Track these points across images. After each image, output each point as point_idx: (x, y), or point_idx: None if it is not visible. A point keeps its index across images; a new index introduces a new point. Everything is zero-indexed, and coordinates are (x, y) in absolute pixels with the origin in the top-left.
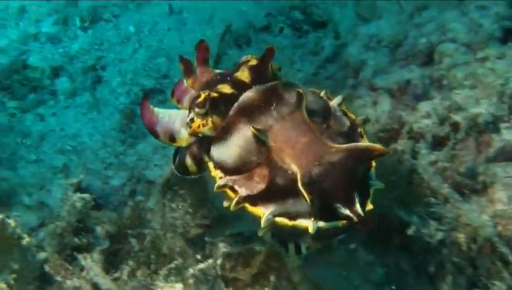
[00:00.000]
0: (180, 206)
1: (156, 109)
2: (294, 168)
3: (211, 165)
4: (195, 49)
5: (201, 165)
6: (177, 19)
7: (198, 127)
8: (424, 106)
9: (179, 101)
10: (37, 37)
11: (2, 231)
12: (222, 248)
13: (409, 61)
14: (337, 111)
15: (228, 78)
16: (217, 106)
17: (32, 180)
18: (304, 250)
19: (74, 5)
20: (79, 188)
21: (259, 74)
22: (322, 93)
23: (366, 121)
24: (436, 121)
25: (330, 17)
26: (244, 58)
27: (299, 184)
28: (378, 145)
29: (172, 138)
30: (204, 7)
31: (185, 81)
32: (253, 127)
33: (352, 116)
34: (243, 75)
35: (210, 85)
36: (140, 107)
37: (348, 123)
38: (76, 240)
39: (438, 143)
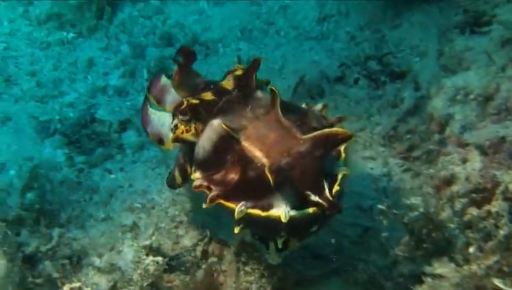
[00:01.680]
0: (255, 269)
1: (151, 110)
2: (265, 160)
3: (193, 175)
4: (179, 52)
5: (186, 176)
6: None
7: (182, 133)
8: None
9: (159, 101)
10: (105, 90)
11: None
12: None
13: (502, 116)
14: (316, 113)
15: (211, 86)
16: (198, 112)
17: (102, 240)
18: (280, 244)
19: (141, 57)
20: (150, 249)
21: (242, 84)
22: (304, 105)
23: (341, 119)
24: None
25: (409, 67)
26: (232, 68)
27: (266, 170)
28: (341, 129)
29: (160, 141)
30: (274, 57)
31: (162, 78)
32: (224, 125)
33: (333, 118)
34: (227, 83)
35: (195, 90)
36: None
37: (324, 123)
38: None
39: None
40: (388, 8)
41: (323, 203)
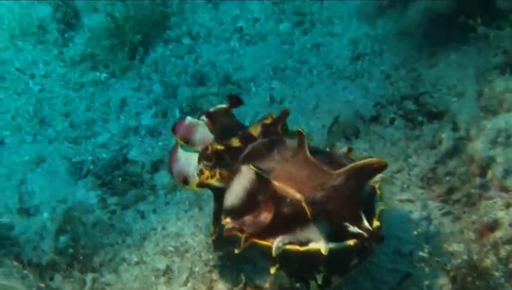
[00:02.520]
0: None
1: (180, 150)
2: (298, 195)
3: (224, 221)
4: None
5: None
6: (278, 108)
7: (207, 178)
8: None
9: (187, 140)
10: (137, 130)
11: None
12: None
13: None
14: (342, 155)
15: (239, 133)
16: (222, 158)
17: (135, 284)
18: (319, 280)
19: (173, 96)
20: None
21: (269, 132)
22: (327, 149)
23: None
24: None
25: (447, 107)
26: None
27: (302, 202)
28: (374, 159)
29: (185, 181)
30: (308, 96)
31: (187, 119)
32: (253, 165)
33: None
34: (255, 130)
35: (225, 133)
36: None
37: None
38: None
39: None
40: (423, 48)
41: (363, 233)
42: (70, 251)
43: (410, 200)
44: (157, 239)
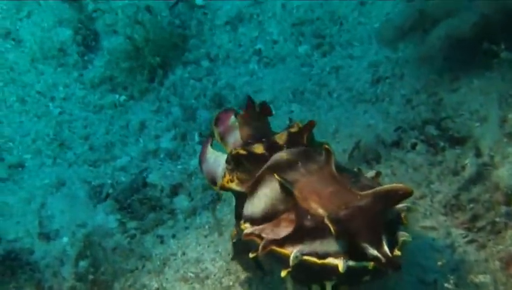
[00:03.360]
0: None
1: (210, 148)
2: (321, 211)
3: (243, 226)
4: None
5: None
6: None
7: (227, 182)
8: None
9: (222, 138)
10: (156, 154)
11: None
12: None
13: None
14: (369, 178)
15: (263, 140)
16: (240, 163)
17: None
18: (329, 288)
19: (192, 119)
20: None
21: (294, 141)
22: (356, 169)
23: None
24: None
25: (469, 132)
26: (292, 125)
27: (326, 219)
28: (401, 185)
29: (213, 181)
30: (327, 120)
31: (232, 117)
32: (278, 176)
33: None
34: (281, 138)
35: (253, 137)
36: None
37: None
38: None
39: None
40: (445, 72)
41: (382, 258)
42: (91, 277)
43: (433, 228)
44: (177, 265)
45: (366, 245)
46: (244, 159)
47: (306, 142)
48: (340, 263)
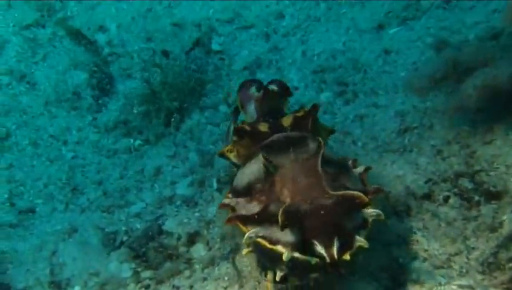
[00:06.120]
0: None
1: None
2: (288, 199)
3: (226, 195)
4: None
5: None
6: None
7: (227, 151)
8: None
9: (242, 105)
10: (172, 200)
11: None
12: None
13: None
14: (356, 175)
15: (270, 120)
16: (242, 137)
17: None
18: (278, 277)
19: (210, 165)
20: None
21: (299, 124)
22: (350, 161)
23: (378, 190)
24: None
25: (505, 187)
26: (298, 109)
27: (281, 210)
28: (362, 195)
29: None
30: None
31: (252, 88)
32: (264, 156)
33: (372, 187)
34: (286, 121)
35: (267, 115)
36: None
37: (359, 187)
38: None
39: None
40: (478, 123)
41: (326, 257)
42: None
43: (470, 287)
44: None
45: (316, 242)
46: (246, 135)
47: (311, 126)
48: (285, 253)
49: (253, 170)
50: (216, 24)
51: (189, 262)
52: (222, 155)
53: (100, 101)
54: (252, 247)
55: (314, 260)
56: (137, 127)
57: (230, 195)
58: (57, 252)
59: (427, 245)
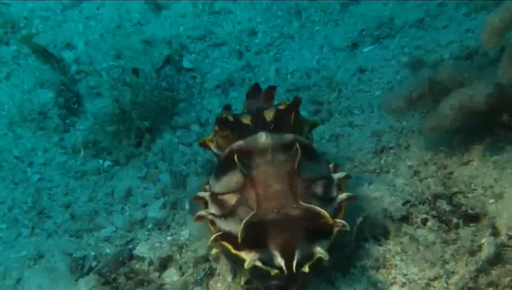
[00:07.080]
0: None
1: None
2: (255, 205)
3: (204, 186)
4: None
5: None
6: None
7: (209, 141)
8: None
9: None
10: (144, 223)
11: None
12: None
13: None
14: (334, 182)
15: (254, 113)
16: (222, 128)
17: None
18: (242, 281)
19: (183, 187)
20: None
21: (281, 118)
22: (331, 165)
23: (351, 198)
24: None
25: (484, 209)
26: (280, 102)
27: (244, 220)
28: (327, 215)
29: None
30: None
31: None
32: (237, 157)
33: (344, 194)
34: (269, 114)
35: (251, 109)
36: None
37: (334, 195)
38: None
39: None
40: (455, 144)
41: (285, 271)
42: None
43: None
44: None
45: (276, 253)
46: (228, 125)
47: (294, 119)
48: (247, 261)
49: (228, 168)
50: (187, 41)
51: (161, 288)
52: (203, 144)
53: (68, 121)
54: (219, 248)
55: (274, 272)
56: (106, 148)
57: (207, 187)
58: (22, 279)
59: (406, 269)
